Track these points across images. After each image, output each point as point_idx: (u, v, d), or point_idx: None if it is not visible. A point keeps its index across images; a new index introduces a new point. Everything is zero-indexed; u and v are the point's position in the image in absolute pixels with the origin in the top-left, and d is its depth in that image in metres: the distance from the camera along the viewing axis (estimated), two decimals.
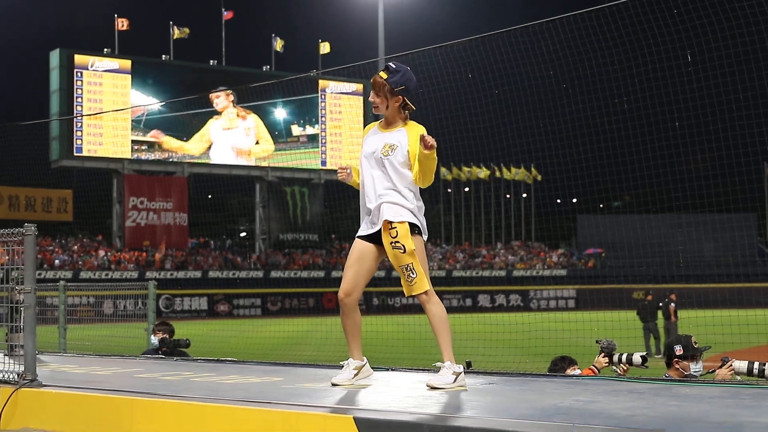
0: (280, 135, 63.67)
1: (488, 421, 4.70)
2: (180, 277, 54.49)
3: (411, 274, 6.37)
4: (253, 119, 62.51)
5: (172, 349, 11.67)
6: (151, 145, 59.89)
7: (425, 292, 6.46)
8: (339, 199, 62.63)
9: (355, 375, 6.52)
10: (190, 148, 60.78)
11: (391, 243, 6.37)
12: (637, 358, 7.59)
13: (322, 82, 64.47)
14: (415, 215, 6.50)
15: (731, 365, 7.41)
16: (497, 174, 72.36)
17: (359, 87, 65.72)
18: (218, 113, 61.48)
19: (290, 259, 62.55)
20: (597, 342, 8.04)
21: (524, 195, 74.11)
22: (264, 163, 63.32)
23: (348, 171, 6.92)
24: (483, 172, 71.77)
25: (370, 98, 6.64)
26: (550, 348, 14.10)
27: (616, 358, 7.76)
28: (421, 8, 72.68)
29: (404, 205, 6.45)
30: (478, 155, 65.69)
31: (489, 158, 68.39)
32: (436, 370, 6.34)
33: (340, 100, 65.61)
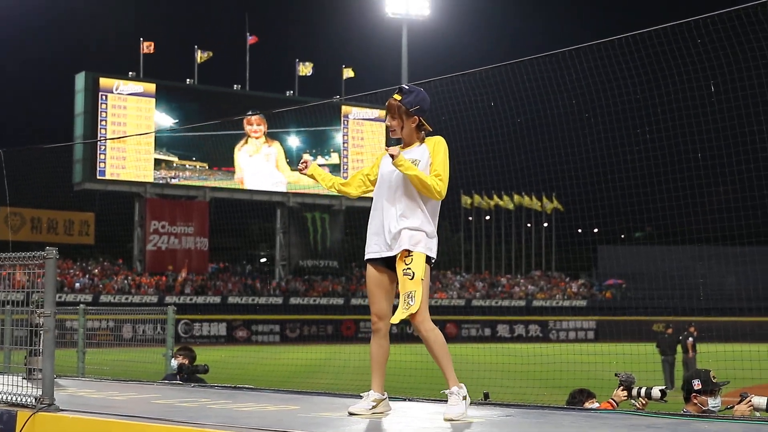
0: (292, 163, 63.79)
1: None
2: (199, 302, 54.59)
3: (410, 301, 6.28)
4: (276, 147, 62.66)
5: (190, 375, 11.68)
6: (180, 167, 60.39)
7: (421, 318, 6.33)
8: (359, 226, 62.60)
9: (373, 407, 6.46)
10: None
11: (404, 270, 6.34)
12: (656, 392, 7.54)
13: (345, 108, 64.56)
14: (430, 238, 6.50)
15: (750, 401, 7.36)
16: (518, 203, 72.25)
17: (382, 113, 65.46)
18: (243, 140, 61.69)
19: (310, 285, 62.53)
20: (616, 375, 7.99)
21: (545, 224, 73.95)
22: (286, 189, 63.31)
23: (307, 164, 6.99)
24: (504, 201, 71.70)
25: (386, 122, 6.70)
26: (569, 380, 14.03)
27: (635, 392, 7.71)
28: (445, 35, 73.00)
29: (423, 230, 6.46)
30: (500, 183, 65.65)
31: (510, 187, 68.32)
32: (445, 398, 6.31)
33: (363, 126, 65.68)
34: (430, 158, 6.50)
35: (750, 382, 14.20)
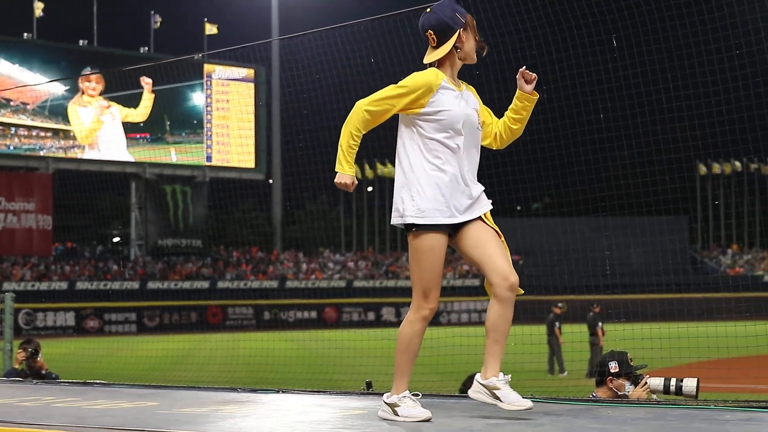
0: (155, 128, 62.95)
1: None
2: (43, 289, 53.62)
3: None
4: (118, 109, 61.55)
5: (34, 373, 11.53)
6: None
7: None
8: (225, 199, 62.30)
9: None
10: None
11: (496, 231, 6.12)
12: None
13: (207, 67, 63.84)
14: None
15: (646, 383, 7.55)
16: None
17: (250, 72, 65.34)
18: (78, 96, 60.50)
19: (170, 267, 61.94)
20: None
21: None
22: (142, 158, 62.43)
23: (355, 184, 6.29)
24: (388, 169, 71.84)
25: (477, 45, 6.25)
26: (461, 365, 14.20)
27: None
28: None
29: None
30: (383, 150, 65.88)
31: (393, 153, 68.49)
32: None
33: (229, 87, 65.06)
34: (479, 113, 6.28)
35: (660, 363, 14.58)
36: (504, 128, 6.30)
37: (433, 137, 6.02)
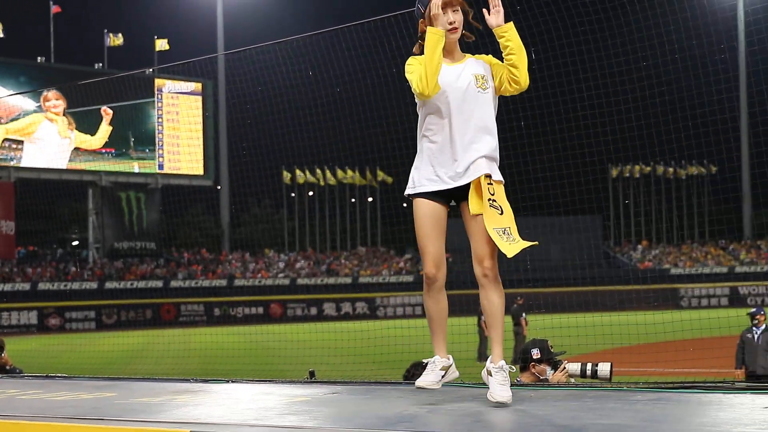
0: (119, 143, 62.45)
1: None
2: (7, 290, 53.03)
3: (509, 237, 5.64)
4: (75, 135, 60.84)
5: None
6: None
7: (496, 274, 5.81)
8: (177, 204, 61.98)
9: (442, 377, 6.11)
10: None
11: (489, 200, 5.71)
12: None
13: (158, 81, 63.46)
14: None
15: (565, 368, 7.64)
16: (341, 178, 72.51)
17: (198, 86, 65.08)
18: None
19: (126, 268, 61.47)
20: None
21: (370, 199, 74.40)
22: (97, 168, 61.90)
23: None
24: (328, 176, 71.81)
25: (449, 18, 5.86)
26: (398, 354, 14.25)
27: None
28: (262, 4, 72.34)
29: (497, 159, 5.91)
30: (322, 157, 65.88)
31: (332, 160, 68.70)
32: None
33: (178, 100, 64.77)
34: (493, 71, 5.98)
35: (577, 349, 14.70)
36: (507, 69, 5.95)
37: (426, 111, 5.95)
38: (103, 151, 61.67)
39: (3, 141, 58.35)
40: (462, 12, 5.90)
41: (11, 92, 55.89)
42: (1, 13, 61.84)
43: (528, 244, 5.63)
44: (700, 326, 16.68)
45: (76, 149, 60.64)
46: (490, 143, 5.88)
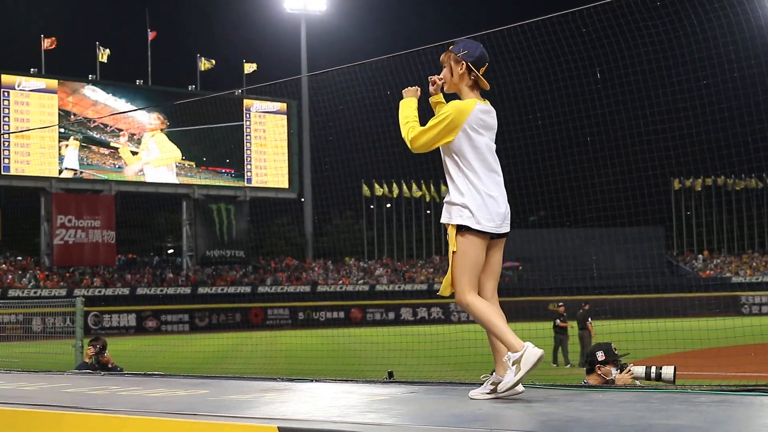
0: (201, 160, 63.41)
1: (409, 429, 4.71)
2: (108, 294, 53.83)
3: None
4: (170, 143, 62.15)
5: (102, 366, 11.55)
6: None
7: (457, 293, 5.87)
8: (264, 215, 62.49)
9: (491, 390, 5.80)
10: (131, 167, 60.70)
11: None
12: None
13: (246, 102, 64.25)
14: (463, 208, 6.16)
15: (630, 370, 7.54)
16: (416, 191, 72.56)
17: (283, 106, 65.71)
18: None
19: (217, 275, 62.08)
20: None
21: None
22: (191, 181, 62.86)
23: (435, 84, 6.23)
24: (404, 190, 71.92)
25: (439, 76, 6.15)
26: (471, 357, 14.17)
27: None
28: (342, 28, 73.13)
29: (455, 202, 6.23)
30: (398, 171, 65.99)
31: (408, 174, 68.73)
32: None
33: (265, 118, 65.46)
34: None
35: (642, 354, 14.52)
36: None
37: None
38: (223, 170, 63.29)
39: (110, 153, 59.62)
40: (449, 64, 6.12)
41: (132, 108, 57.29)
42: (105, 39, 62.80)
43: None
44: (761, 332, 16.38)
45: (176, 164, 61.79)
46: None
